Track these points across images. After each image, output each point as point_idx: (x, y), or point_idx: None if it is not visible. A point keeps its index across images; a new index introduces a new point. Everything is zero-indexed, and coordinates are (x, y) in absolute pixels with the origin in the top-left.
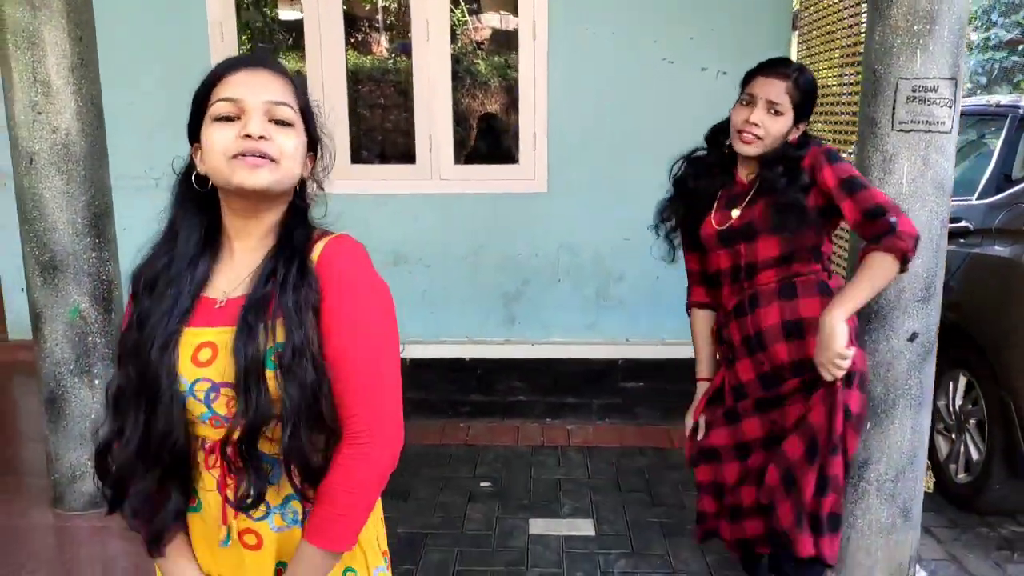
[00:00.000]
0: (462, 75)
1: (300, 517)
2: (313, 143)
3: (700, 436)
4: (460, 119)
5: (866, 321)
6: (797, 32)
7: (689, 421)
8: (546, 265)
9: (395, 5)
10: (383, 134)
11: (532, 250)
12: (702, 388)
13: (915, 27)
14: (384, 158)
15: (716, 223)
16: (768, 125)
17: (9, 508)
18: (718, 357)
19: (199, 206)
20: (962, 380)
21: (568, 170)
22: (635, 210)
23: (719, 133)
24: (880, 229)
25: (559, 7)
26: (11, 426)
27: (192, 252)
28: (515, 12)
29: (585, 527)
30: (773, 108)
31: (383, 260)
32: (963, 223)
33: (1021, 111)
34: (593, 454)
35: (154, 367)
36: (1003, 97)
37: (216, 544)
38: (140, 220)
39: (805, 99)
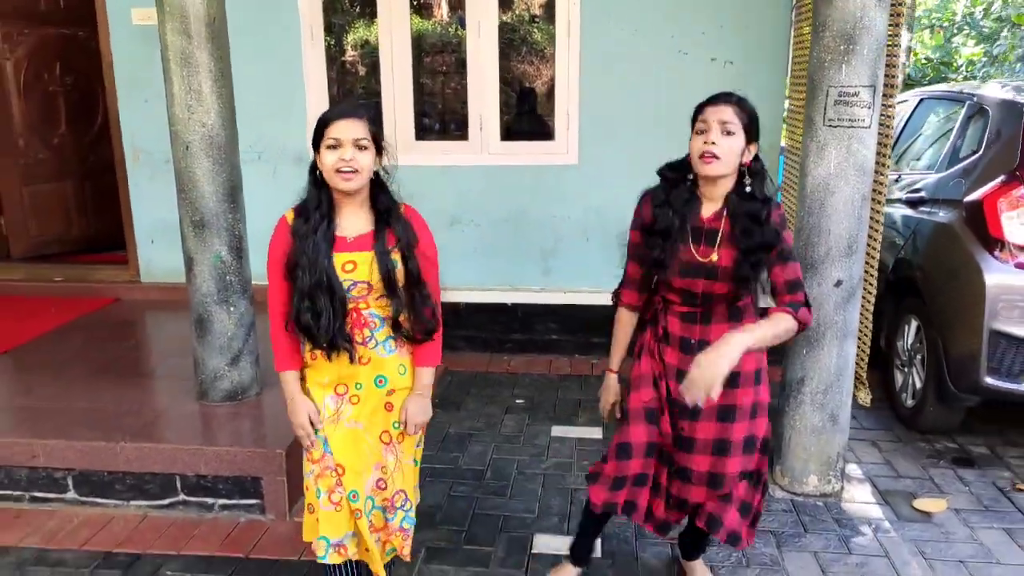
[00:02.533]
0: (509, 63)
1: (393, 347)
2: (380, 148)
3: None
4: (505, 102)
5: (803, 270)
6: (793, 28)
7: (607, 411)
8: (577, 226)
9: None
10: (443, 105)
11: (565, 213)
12: (612, 381)
13: (841, 47)
14: (443, 132)
15: (699, 255)
16: (723, 144)
17: (168, 400)
18: (644, 346)
19: (319, 186)
20: (913, 324)
21: (596, 146)
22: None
23: (674, 169)
24: (796, 301)
25: (590, 8)
26: (160, 345)
27: (323, 211)
28: (551, 15)
29: (595, 433)
30: (725, 129)
31: (442, 222)
32: (921, 193)
33: (975, 98)
34: None
35: (326, 272)
36: (968, 85)
37: (345, 364)
38: (249, 185)
39: (751, 121)
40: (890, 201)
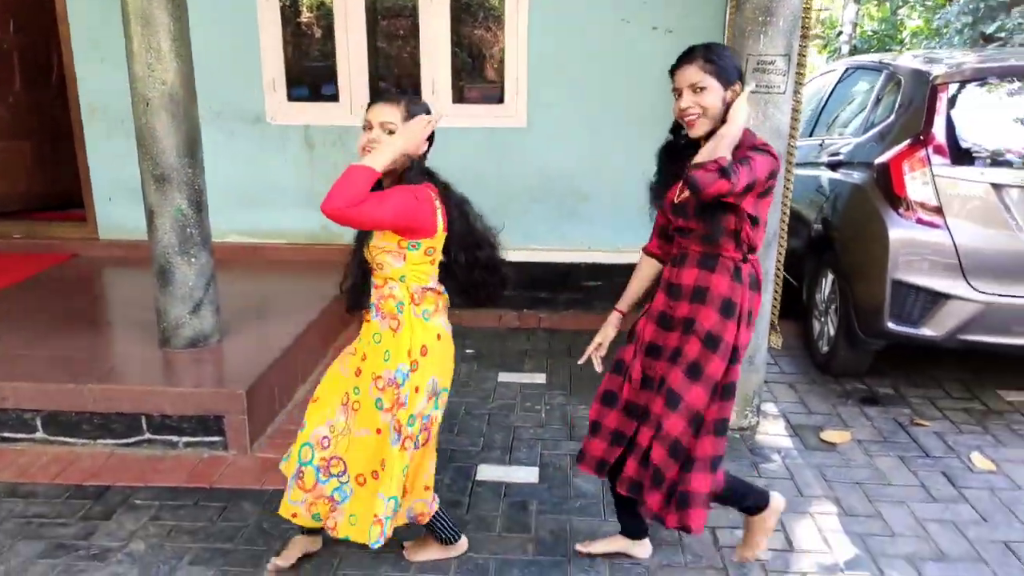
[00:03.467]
0: (462, 28)
1: (376, 314)
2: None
3: (599, 368)
4: (459, 66)
5: None
6: None
7: (590, 349)
8: (526, 187)
9: None
10: (399, 69)
11: (514, 174)
12: (614, 317)
13: (759, 18)
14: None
15: (675, 197)
16: (698, 101)
17: (132, 347)
18: (645, 307)
19: None
20: (829, 277)
21: (544, 110)
22: (598, 143)
23: (680, 126)
24: (717, 165)
25: None
26: (122, 298)
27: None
28: None
29: (539, 378)
30: (696, 87)
31: None
32: (840, 157)
33: (891, 68)
34: (555, 334)
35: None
36: (887, 55)
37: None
38: (208, 144)
39: (720, 67)
40: (815, 164)
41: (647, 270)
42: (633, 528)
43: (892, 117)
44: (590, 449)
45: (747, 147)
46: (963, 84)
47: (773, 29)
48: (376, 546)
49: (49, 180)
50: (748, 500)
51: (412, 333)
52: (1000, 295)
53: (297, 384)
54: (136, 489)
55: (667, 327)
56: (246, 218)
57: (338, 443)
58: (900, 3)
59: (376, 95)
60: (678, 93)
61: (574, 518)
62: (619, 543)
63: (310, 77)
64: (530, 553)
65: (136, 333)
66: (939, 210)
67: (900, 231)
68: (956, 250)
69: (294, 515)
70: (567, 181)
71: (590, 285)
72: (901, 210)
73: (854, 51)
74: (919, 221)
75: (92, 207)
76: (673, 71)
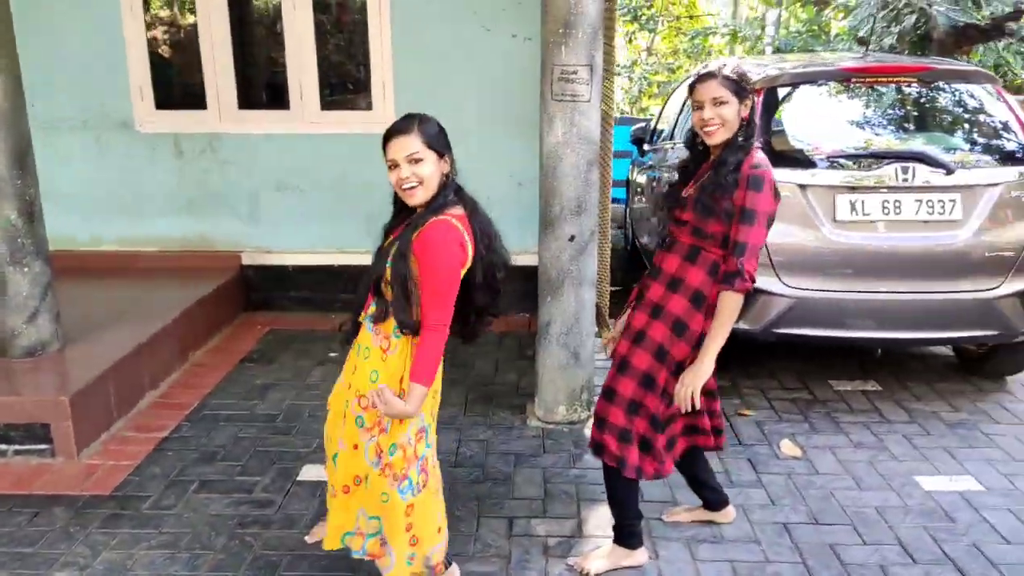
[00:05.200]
0: (326, 35)
1: (372, 327)
2: (441, 153)
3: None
4: (325, 74)
5: (542, 228)
6: None
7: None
8: None
9: None
10: (267, 76)
11: (386, 179)
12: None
13: (560, 31)
14: (268, 102)
15: (684, 191)
16: (720, 113)
17: None
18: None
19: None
20: None
21: None
22: (465, 146)
23: (695, 135)
24: (731, 270)
25: None
26: None
27: (397, 208)
28: None
29: None
30: (717, 101)
31: (268, 187)
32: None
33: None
34: None
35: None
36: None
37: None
38: (74, 151)
39: (737, 85)
40: (664, 170)
41: None
42: (713, 500)
43: None
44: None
45: (744, 180)
46: (774, 90)
47: (574, 41)
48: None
49: None
50: (625, 517)
51: (404, 360)
52: (809, 289)
53: (144, 391)
54: None
55: (643, 305)
56: (119, 227)
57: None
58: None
59: (391, 126)
60: (699, 105)
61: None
62: (702, 514)
63: (178, 85)
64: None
65: None
66: None
67: None
68: (767, 248)
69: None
70: None
71: None
72: None
73: (778, 50)
74: None
75: None
76: (694, 86)
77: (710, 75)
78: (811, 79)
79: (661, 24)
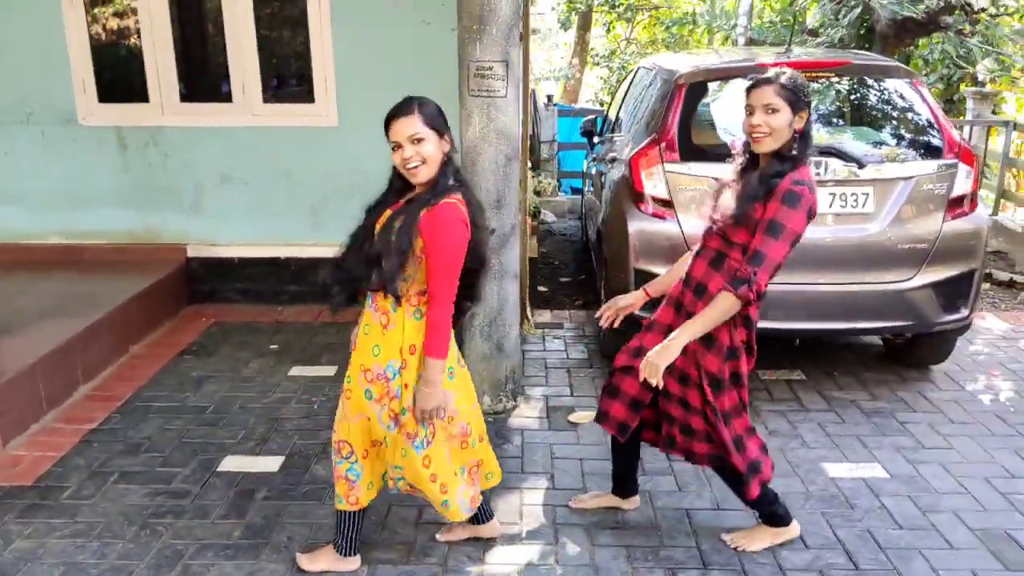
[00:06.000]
0: (268, 29)
1: (372, 302)
2: (441, 133)
3: (603, 324)
4: (266, 66)
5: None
6: None
7: (604, 308)
8: (342, 183)
9: None
10: (209, 68)
11: (331, 171)
12: (638, 293)
13: (474, 27)
14: (207, 96)
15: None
16: (768, 122)
17: None
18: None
19: (402, 177)
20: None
21: (355, 109)
22: None
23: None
24: (743, 275)
25: None
26: None
27: (398, 186)
28: None
29: (329, 370)
30: (769, 108)
31: (212, 180)
32: (613, 155)
33: (656, 68)
34: None
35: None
36: (662, 56)
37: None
38: (19, 146)
39: (793, 94)
40: (604, 162)
41: (681, 265)
42: (630, 489)
43: (647, 116)
44: (612, 411)
45: (781, 193)
46: (700, 84)
47: (488, 37)
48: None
49: None
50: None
51: (403, 332)
52: None
53: (77, 383)
54: None
55: (678, 310)
56: (65, 219)
57: (340, 428)
58: None
59: (393, 108)
60: (750, 110)
61: (293, 504)
62: (608, 500)
63: (121, 78)
64: (234, 538)
65: None
66: (670, 203)
67: (638, 224)
68: (686, 241)
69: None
70: (382, 177)
71: None
72: (640, 204)
73: (751, 43)
74: (653, 215)
75: None
76: (749, 90)
77: (767, 80)
78: (727, 75)
79: (639, 14)
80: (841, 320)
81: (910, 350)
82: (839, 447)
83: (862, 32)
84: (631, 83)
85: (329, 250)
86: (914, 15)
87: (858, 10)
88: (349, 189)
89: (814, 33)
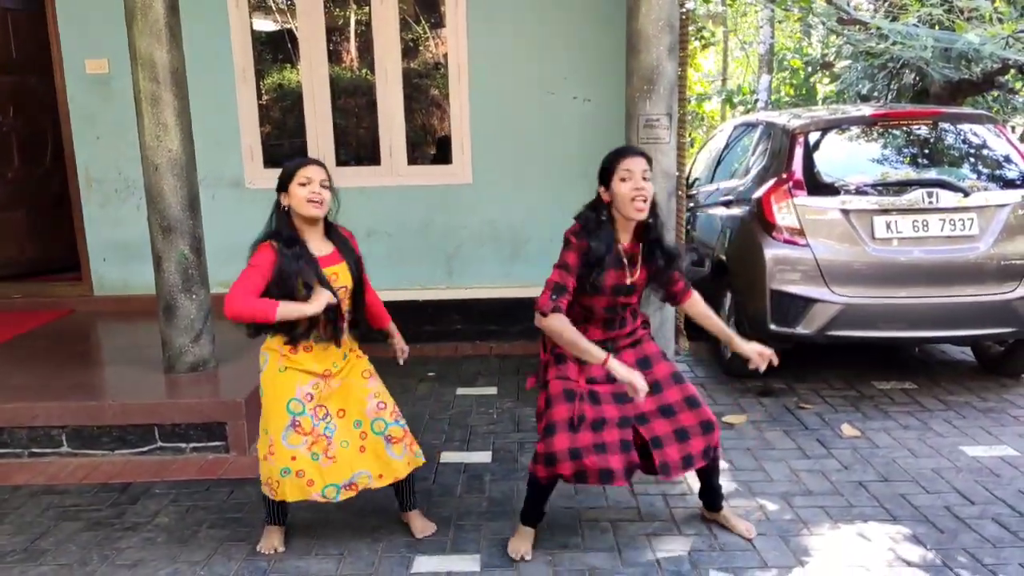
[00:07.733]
0: (413, 97)
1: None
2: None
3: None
4: (411, 132)
5: None
6: None
7: (642, 383)
8: (474, 234)
9: (362, 27)
10: (359, 138)
11: (463, 223)
12: (614, 361)
13: (645, 87)
14: (360, 160)
15: (624, 279)
16: (647, 189)
17: (140, 374)
18: (564, 354)
19: (287, 219)
20: (728, 296)
21: (487, 169)
22: (534, 195)
23: (593, 209)
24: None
25: (476, 59)
26: (122, 341)
27: (296, 239)
28: (445, 63)
29: (491, 390)
30: (644, 176)
31: (360, 233)
32: (730, 197)
33: (764, 124)
34: (505, 359)
35: (329, 286)
36: (763, 113)
37: (332, 350)
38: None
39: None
40: (715, 205)
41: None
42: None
43: (764, 162)
44: (614, 465)
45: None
46: (813, 133)
47: (656, 95)
48: None
49: (40, 247)
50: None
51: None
52: (854, 297)
53: None
54: (154, 483)
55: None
56: (235, 268)
57: (320, 394)
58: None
59: (305, 159)
60: (629, 176)
61: (520, 483)
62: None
63: (283, 146)
64: (484, 507)
65: (141, 365)
66: (801, 232)
67: (772, 251)
68: (817, 263)
69: (293, 466)
70: (509, 227)
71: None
72: (773, 234)
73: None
74: (786, 241)
75: (87, 267)
76: (622, 157)
77: (640, 152)
78: (833, 126)
79: None
80: (954, 328)
81: (1005, 359)
82: (968, 435)
83: (913, 95)
84: (727, 140)
85: (461, 292)
86: (971, 77)
87: (912, 75)
88: (481, 238)
89: (865, 99)
